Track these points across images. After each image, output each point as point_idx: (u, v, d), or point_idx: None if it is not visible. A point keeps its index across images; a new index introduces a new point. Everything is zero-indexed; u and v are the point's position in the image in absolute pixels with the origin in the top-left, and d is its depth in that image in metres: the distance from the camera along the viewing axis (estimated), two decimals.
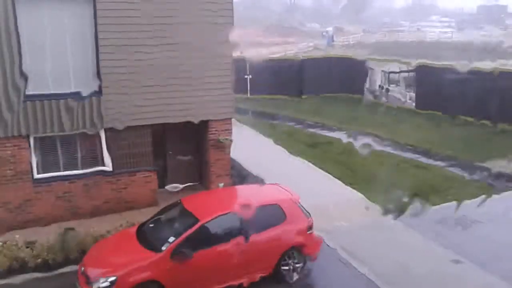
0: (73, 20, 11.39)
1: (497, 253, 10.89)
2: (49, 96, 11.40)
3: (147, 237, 9.33)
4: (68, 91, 11.59)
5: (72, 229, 11.00)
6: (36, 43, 11.14)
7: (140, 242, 9.19)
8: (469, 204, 13.68)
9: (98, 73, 11.70)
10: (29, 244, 10.32)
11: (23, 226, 11.55)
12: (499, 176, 16.26)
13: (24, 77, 11.08)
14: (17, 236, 10.52)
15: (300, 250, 9.87)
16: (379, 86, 29.52)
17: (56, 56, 11.36)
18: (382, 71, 29.23)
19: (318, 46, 57.94)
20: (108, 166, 12.32)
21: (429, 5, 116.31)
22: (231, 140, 13.47)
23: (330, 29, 64.27)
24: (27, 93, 11.21)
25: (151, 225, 9.76)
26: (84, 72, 11.73)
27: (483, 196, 14.19)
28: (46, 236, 10.74)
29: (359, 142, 20.57)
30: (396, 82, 28.28)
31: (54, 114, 11.41)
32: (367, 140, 20.92)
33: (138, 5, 11.63)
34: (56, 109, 11.42)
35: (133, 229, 9.85)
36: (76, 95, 11.62)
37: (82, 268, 8.94)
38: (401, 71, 27.97)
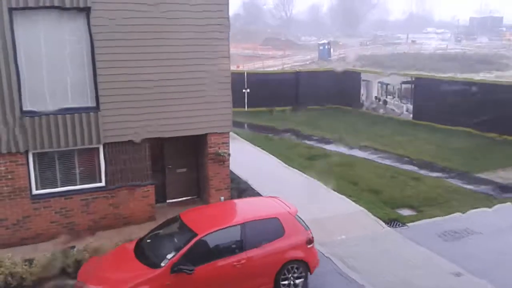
0: (70, 37, 11.42)
1: (498, 265, 10.83)
2: (47, 112, 11.39)
3: (145, 253, 9.26)
4: (65, 106, 11.59)
5: (73, 247, 10.91)
6: (33, 59, 11.16)
7: (138, 258, 9.12)
8: (469, 215, 13.67)
9: (96, 89, 11.70)
10: (27, 261, 10.22)
11: (21, 243, 11.47)
12: (499, 186, 16.27)
13: (21, 93, 11.09)
14: (9, 254, 10.39)
15: (300, 264, 9.79)
16: (375, 97, 29.66)
17: (54, 72, 11.37)
18: (379, 82, 29.39)
19: (314, 59, 58.41)
20: (106, 181, 12.28)
21: (425, 17, 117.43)
22: (229, 154, 13.46)
23: (325, 41, 64.72)
24: (24, 109, 11.21)
25: (148, 241, 9.70)
26: (82, 87, 11.73)
27: (484, 207, 14.19)
28: (44, 252, 10.65)
29: (357, 154, 20.62)
30: (393, 94, 28.42)
31: (52, 129, 11.40)
32: (364, 152, 20.99)
33: (135, 21, 11.69)
34: (54, 125, 11.41)
35: (131, 245, 9.77)
36: (74, 111, 11.62)
37: (81, 285, 8.85)
38: (394, 83, 28.12)
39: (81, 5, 11.13)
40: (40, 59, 11.23)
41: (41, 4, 10.80)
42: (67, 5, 11.02)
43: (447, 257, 11.15)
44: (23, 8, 10.75)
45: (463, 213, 13.80)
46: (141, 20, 11.75)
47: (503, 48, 58.20)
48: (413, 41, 75.22)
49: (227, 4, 12.61)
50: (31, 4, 10.73)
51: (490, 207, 14.30)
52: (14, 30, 10.79)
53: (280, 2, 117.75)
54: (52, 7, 10.95)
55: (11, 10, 10.64)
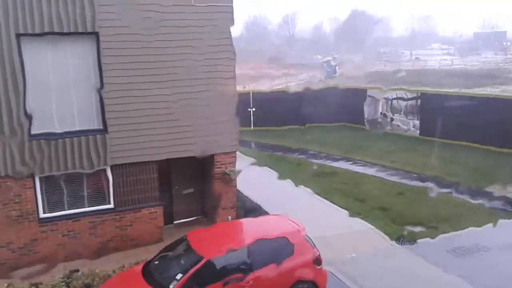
0: (77, 60, 11.56)
1: (509, 281, 10.65)
2: (54, 135, 11.46)
3: (153, 275, 9.18)
4: (73, 129, 11.67)
5: (77, 270, 10.85)
6: (41, 83, 11.28)
7: (146, 280, 9.04)
8: (479, 231, 13.50)
9: (103, 111, 11.79)
10: (34, 286, 10.17)
11: (28, 266, 11.41)
12: (509, 201, 16.08)
13: (29, 117, 11.18)
14: (18, 280, 10.36)
15: (309, 284, 9.67)
16: (381, 113, 29.62)
17: (62, 95, 11.48)
18: (384, 99, 29.38)
19: (319, 77, 58.61)
20: (113, 203, 12.27)
21: (428, 33, 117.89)
22: (235, 173, 13.43)
23: (330, 58, 64.95)
24: (32, 132, 11.28)
25: (156, 263, 9.63)
26: (89, 110, 11.82)
27: (494, 223, 14.02)
28: (51, 276, 10.60)
29: (364, 171, 20.50)
30: (399, 110, 28.38)
31: (59, 153, 11.45)
32: (372, 168, 20.87)
33: (142, 44, 11.82)
34: (61, 148, 11.46)
35: (139, 268, 9.71)
36: (82, 133, 11.68)
37: None
38: (400, 98, 28.09)
39: (89, 29, 11.28)
40: (48, 83, 11.35)
41: (48, 29, 10.96)
42: (75, 30, 11.17)
43: (458, 274, 10.99)
44: (31, 34, 10.91)
45: (473, 228, 13.62)
46: (148, 43, 11.87)
47: (507, 63, 58.15)
48: (417, 58, 75.33)
49: (233, 26, 12.77)
50: (38, 30, 10.89)
51: (501, 222, 14.11)
52: (22, 55, 10.94)
53: (283, 21, 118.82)
54: (60, 32, 11.11)
55: (18, 35, 10.80)
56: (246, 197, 16.23)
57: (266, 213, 14.60)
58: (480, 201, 16.15)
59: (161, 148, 12.38)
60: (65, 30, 11.10)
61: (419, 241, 12.95)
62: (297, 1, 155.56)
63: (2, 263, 11.30)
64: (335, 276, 10.99)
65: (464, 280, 10.72)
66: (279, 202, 15.71)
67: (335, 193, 17.16)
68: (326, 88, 35.24)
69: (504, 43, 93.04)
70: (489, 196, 16.70)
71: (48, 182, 11.71)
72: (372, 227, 13.78)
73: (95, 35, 11.43)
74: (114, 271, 10.46)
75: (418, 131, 27.01)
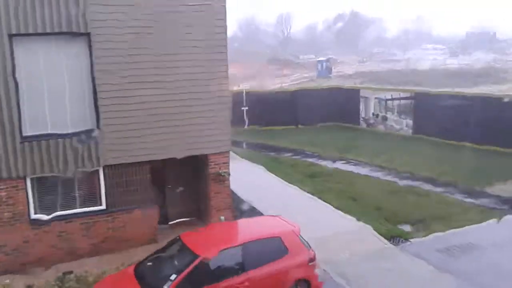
0: (70, 61, 11.48)
1: (503, 280, 10.70)
2: (47, 137, 11.39)
3: (146, 276, 9.14)
4: (65, 131, 11.59)
5: (70, 272, 10.79)
6: (34, 84, 11.20)
7: (139, 282, 9.00)
8: (472, 229, 13.57)
9: (96, 112, 11.72)
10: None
11: (21, 269, 11.34)
12: (501, 200, 16.17)
13: (21, 118, 11.10)
14: (7, 281, 10.27)
15: (303, 284, 9.68)
16: (374, 114, 29.74)
17: (54, 96, 11.39)
18: (376, 98, 29.50)
19: (313, 77, 58.68)
20: (107, 204, 12.21)
21: (422, 34, 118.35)
22: (229, 173, 13.41)
23: (323, 59, 65.01)
24: (24, 134, 11.21)
25: (149, 264, 9.58)
26: (82, 111, 11.75)
27: (486, 221, 14.10)
28: (45, 278, 10.53)
29: (358, 171, 20.55)
30: (392, 110, 28.50)
31: (51, 154, 11.37)
32: (365, 168, 20.93)
33: (135, 44, 11.77)
34: (53, 149, 11.39)
35: (131, 269, 9.65)
36: (74, 135, 11.62)
37: None
38: (396, 98, 28.20)
39: (82, 30, 11.22)
40: (41, 84, 11.27)
41: (41, 30, 10.89)
42: (67, 30, 11.10)
43: (452, 272, 11.03)
44: (23, 34, 10.84)
45: (466, 227, 13.68)
46: (141, 42, 11.83)
47: (499, 62, 58.49)
48: (410, 58, 75.60)
49: (226, 26, 12.71)
50: (31, 30, 10.82)
51: (493, 220, 14.19)
52: (14, 56, 10.86)
53: (278, 22, 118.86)
54: (52, 33, 11.04)
55: (11, 36, 10.73)
56: (240, 197, 16.22)
57: (260, 214, 14.59)
58: (473, 200, 16.24)
59: (153, 149, 12.32)
60: (57, 30, 11.03)
61: (412, 240, 12.99)
62: (291, 1, 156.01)
63: None
64: (330, 276, 10.98)
65: (459, 278, 10.77)
66: (274, 203, 15.70)
67: (329, 192, 17.18)
68: (319, 88, 35.32)
69: (500, 42, 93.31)
70: (482, 194, 16.80)
71: (41, 183, 11.64)
72: (366, 226, 13.80)
73: (88, 35, 11.36)
74: (107, 272, 10.41)
75: (411, 131, 27.14)
